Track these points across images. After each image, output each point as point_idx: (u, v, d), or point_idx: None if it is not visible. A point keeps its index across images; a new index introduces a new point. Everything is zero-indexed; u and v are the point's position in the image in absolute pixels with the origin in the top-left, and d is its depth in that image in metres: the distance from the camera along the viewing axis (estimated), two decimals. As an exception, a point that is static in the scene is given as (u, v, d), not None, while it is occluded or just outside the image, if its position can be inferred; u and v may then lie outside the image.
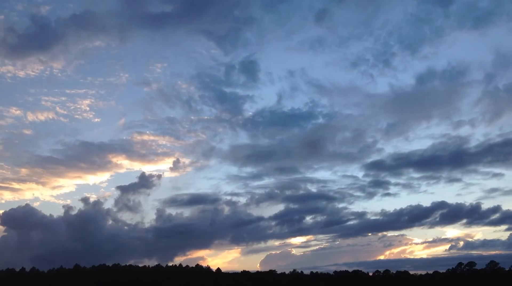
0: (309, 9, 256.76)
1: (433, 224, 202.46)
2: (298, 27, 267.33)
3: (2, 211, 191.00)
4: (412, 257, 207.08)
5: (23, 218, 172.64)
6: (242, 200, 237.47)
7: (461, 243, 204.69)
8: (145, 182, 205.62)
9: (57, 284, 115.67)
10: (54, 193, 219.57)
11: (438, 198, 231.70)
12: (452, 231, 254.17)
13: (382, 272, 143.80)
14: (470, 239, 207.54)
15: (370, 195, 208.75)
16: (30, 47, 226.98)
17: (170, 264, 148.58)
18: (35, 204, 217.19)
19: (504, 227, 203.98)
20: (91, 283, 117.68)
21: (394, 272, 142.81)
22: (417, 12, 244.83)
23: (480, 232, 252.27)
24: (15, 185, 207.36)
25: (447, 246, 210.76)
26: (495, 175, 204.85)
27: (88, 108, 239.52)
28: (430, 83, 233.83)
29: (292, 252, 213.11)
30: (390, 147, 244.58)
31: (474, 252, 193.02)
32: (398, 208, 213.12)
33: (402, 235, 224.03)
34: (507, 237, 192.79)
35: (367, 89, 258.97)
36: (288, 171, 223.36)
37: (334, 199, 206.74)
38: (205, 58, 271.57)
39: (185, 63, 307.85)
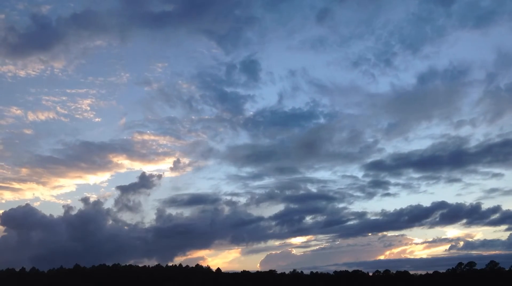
0: (310, 9, 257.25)
1: (433, 224, 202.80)
2: (299, 27, 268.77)
3: (2, 211, 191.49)
4: (412, 257, 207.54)
5: (23, 218, 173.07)
6: (242, 200, 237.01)
7: (461, 243, 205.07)
8: (145, 182, 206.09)
9: (57, 284, 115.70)
10: (54, 193, 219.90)
11: (438, 198, 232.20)
12: (452, 231, 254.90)
13: (382, 272, 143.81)
14: (470, 239, 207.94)
15: (370, 195, 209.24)
16: (31, 47, 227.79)
17: (170, 264, 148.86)
18: (35, 204, 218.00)
19: (504, 227, 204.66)
20: (91, 283, 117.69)
21: (394, 272, 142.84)
22: (418, 12, 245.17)
23: (480, 232, 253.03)
24: (16, 185, 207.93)
25: (447, 246, 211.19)
26: (495, 175, 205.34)
27: (88, 108, 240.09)
28: (431, 82, 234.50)
29: (292, 252, 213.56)
30: (390, 147, 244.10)
31: (474, 252, 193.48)
32: (398, 208, 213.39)
33: (402, 235, 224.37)
34: (507, 237, 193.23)
35: (368, 89, 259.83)
36: (288, 171, 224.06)
37: (334, 199, 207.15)
38: (206, 57, 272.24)
39: (186, 63, 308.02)
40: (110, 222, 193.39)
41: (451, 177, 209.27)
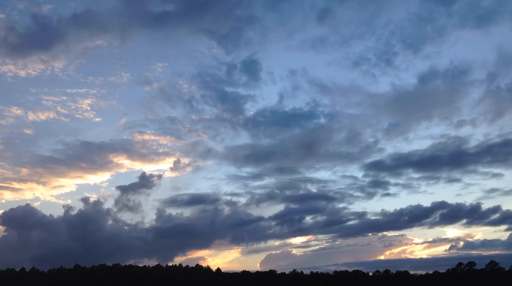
0: (311, 8, 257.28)
1: (433, 224, 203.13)
2: (300, 26, 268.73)
3: (2, 211, 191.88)
4: (412, 257, 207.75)
5: (23, 218, 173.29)
6: (242, 200, 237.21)
7: (461, 243, 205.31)
8: (145, 182, 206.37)
9: (57, 284, 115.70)
10: (54, 193, 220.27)
11: (438, 198, 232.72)
12: (452, 231, 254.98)
13: (382, 272, 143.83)
14: (470, 239, 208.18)
15: (370, 195, 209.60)
16: (31, 47, 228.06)
17: (170, 264, 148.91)
18: (36, 204, 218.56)
19: (504, 227, 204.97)
20: (91, 283, 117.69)
21: (394, 272, 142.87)
22: (419, 11, 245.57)
23: (480, 232, 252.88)
24: (16, 185, 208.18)
25: (447, 246, 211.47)
26: (495, 175, 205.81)
27: (89, 108, 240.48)
28: (432, 82, 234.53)
29: (292, 252, 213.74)
30: (390, 147, 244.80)
31: (474, 252, 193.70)
32: (398, 208, 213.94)
33: (402, 235, 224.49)
34: (507, 237, 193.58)
35: (369, 89, 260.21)
36: (288, 171, 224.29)
37: (334, 199, 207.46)
38: (207, 57, 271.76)
39: (186, 63, 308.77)
40: (110, 222, 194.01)
41: (451, 177, 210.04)
